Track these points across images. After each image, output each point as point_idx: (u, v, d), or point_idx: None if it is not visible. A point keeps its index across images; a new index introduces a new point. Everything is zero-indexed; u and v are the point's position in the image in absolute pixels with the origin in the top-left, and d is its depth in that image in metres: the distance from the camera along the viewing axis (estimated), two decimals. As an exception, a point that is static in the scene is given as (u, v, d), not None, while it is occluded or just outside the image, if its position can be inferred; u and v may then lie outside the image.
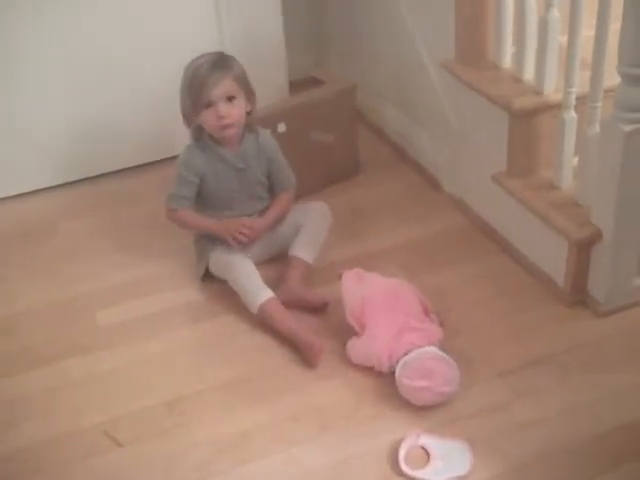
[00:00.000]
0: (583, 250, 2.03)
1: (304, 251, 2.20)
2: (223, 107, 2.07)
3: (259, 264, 2.17)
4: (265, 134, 2.24)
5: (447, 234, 2.39)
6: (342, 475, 1.68)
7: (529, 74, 2.17)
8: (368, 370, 1.90)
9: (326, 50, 3.26)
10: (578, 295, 2.08)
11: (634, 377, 1.85)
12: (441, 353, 1.82)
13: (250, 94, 2.15)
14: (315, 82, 2.75)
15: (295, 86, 2.91)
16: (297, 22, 3.05)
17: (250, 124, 2.20)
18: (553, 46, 2.08)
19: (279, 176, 2.26)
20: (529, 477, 1.64)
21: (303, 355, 1.96)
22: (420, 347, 1.82)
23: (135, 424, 1.83)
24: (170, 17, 2.69)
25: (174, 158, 2.25)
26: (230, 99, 2.08)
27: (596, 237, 1.99)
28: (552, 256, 2.11)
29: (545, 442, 1.71)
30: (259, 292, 2.06)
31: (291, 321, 2.02)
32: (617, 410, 1.78)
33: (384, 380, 1.87)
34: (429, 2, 2.42)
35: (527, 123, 2.14)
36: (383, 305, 1.92)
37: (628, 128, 1.82)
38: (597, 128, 1.96)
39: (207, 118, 2.10)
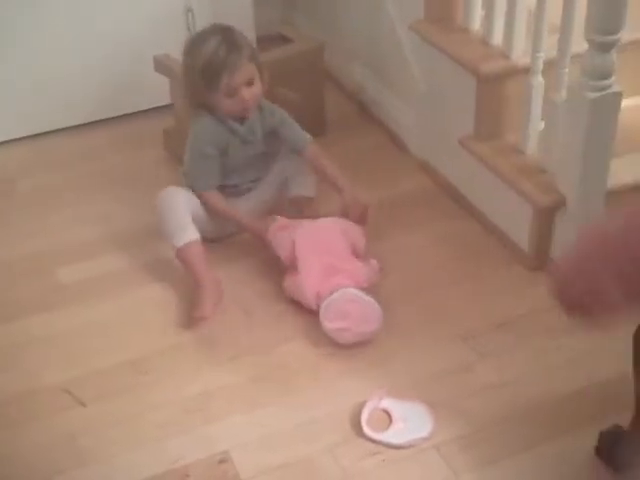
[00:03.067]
0: (547, 216, 2.05)
1: (306, 190, 2.24)
2: (246, 92, 2.02)
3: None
4: (267, 104, 2.17)
5: (413, 196, 2.40)
6: (304, 436, 1.69)
7: (497, 38, 2.17)
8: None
9: (293, 4, 3.22)
10: (541, 260, 2.10)
11: (592, 342, 1.88)
12: (360, 293, 1.88)
13: (262, 70, 2.08)
14: (282, 39, 2.72)
15: (261, 42, 2.86)
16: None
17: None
18: (522, 10, 2.07)
19: (293, 136, 2.20)
20: (492, 439, 1.67)
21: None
22: (346, 287, 1.88)
23: (98, 383, 1.83)
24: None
25: (133, 115, 2.22)
26: (249, 83, 2.03)
27: (560, 204, 2.01)
28: (516, 221, 2.13)
29: (508, 404, 1.74)
30: (185, 230, 2.04)
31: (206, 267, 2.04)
32: (576, 374, 1.81)
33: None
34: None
35: (495, 87, 2.14)
36: (311, 247, 1.98)
37: (594, 95, 1.83)
38: (564, 94, 1.97)
39: (227, 103, 2.04)
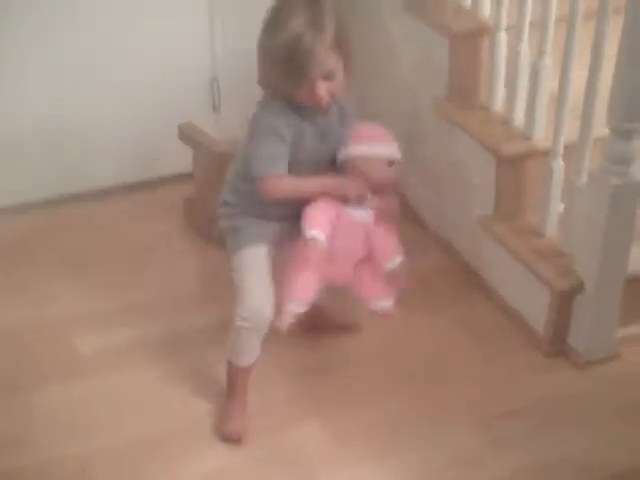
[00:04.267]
0: (565, 300, 2.01)
1: None
2: (321, 87, 1.73)
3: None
4: (347, 106, 1.92)
5: (430, 274, 2.36)
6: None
7: (519, 119, 2.16)
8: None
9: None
10: (558, 345, 2.06)
11: (603, 435, 1.83)
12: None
13: (348, 60, 1.78)
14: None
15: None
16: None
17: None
18: (543, 94, 2.07)
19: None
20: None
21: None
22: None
23: (111, 460, 1.80)
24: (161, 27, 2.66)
25: (153, 181, 2.17)
26: (327, 77, 1.73)
27: (578, 288, 1.98)
28: (534, 303, 2.09)
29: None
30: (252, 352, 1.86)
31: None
32: (583, 470, 1.76)
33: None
34: (424, 40, 2.40)
35: (515, 168, 2.13)
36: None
37: (615, 181, 1.81)
38: (584, 179, 1.94)
39: (304, 94, 1.74)
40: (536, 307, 2.08)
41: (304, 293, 1.79)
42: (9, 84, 2.55)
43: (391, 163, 1.88)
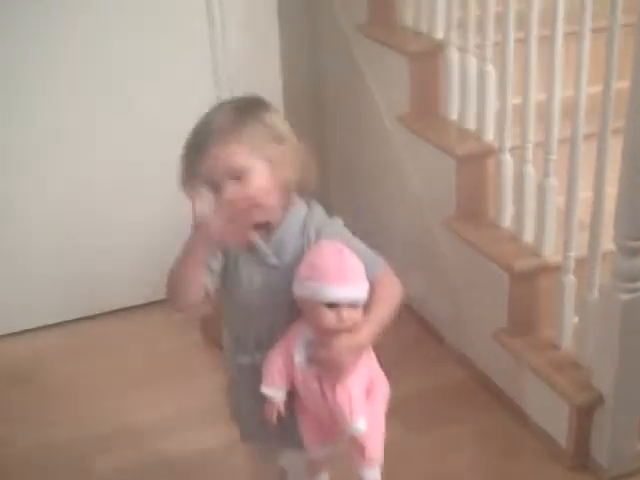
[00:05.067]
0: (585, 413, 2.02)
1: None
2: (229, 190, 1.43)
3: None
4: (315, 212, 1.53)
5: (448, 388, 2.38)
6: None
7: (529, 235, 2.22)
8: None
9: (325, 192, 3.32)
10: (581, 458, 2.06)
11: None
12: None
13: (281, 157, 1.47)
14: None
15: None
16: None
17: (292, 197, 1.52)
18: (551, 212, 2.13)
19: (365, 259, 1.51)
20: None
21: None
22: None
23: None
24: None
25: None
26: (236, 176, 1.43)
27: (597, 401, 1.99)
28: (554, 416, 2.10)
29: None
30: None
31: None
32: None
33: None
34: (431, 164, 2.50)
35: (527, 283, 2.17)
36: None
37: (626, 297, 1.86)
38: (595, 294, 1.99)
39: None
40: (557, 420, 2.09)
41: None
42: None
43: (351, 306, 1.44)
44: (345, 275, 1.44)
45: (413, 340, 2.62)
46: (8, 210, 2.63)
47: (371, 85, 2.75)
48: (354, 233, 1.55)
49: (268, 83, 2.75)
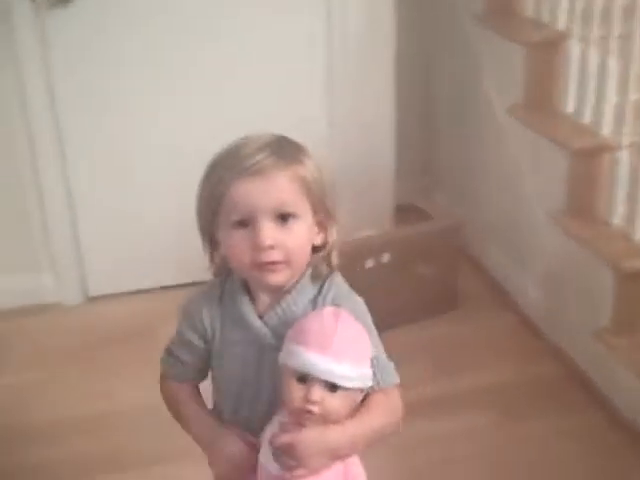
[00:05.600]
0: (685, 419, 1.99)
1: None
2: (267, 229, 1.16)
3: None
4: (335, 283, 1.26)
5: (542, 381, 2.37)
6: None
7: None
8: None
9: (433, 176, 3.32)
10: (678, 462, 2.03)
11: None
12: None
13: (327, 215, 1.23)
14: (418, 211, 2.82)
15: (399, 212, 2.97)
16: (407, 147, 3.10)
17: (317, 268, 1.25)
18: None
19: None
20: None
21: None
22: None
23: None
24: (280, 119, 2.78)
25: None
26: (284, 217, 1.18)
27: (700, 408, 1.96)
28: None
29: None
30: None
31: None
32: None
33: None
34: (542, 157, 2.48)
35: (634, 283, 2.14)
36: None
37: None
38: None
39: (235, 243, 1.19)
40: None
41: None
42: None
43: (329, 388, 1.15)
44: (328, 342, 1.14)
45: (512, 331, 2.61)
46: (128, 175, 2.72)
47: (484, 74, 2.75)
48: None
49: (381, 69, 2.78)
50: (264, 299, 1.25)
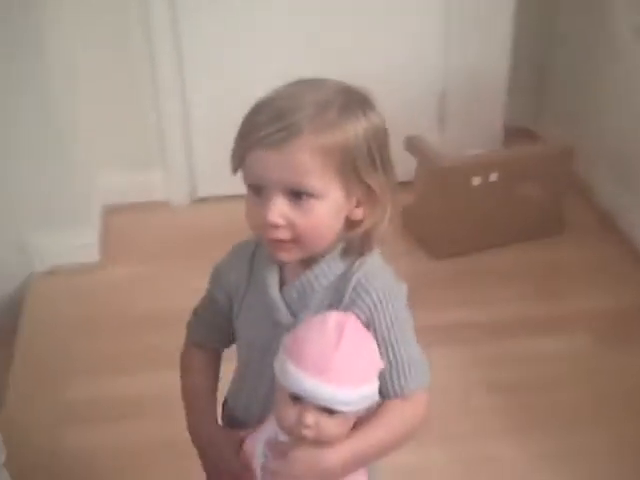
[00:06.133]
0: None
1: None
2: (275, 205, 1.02)
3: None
4: (368, 264, 1.09)
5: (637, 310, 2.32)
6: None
7: None
8: None
9: (545, 98, 3.24)
10: None
11: None
12: None
13: (370, 192, 1.06)
14: (529, 134, 2.77)
15: (508, 134, 2.92)
16: (520, 66, 3.02)
17: (350, 244, 1.09)
18: None
19: (389, 370, 1.08)
20: None
21: None
22: None
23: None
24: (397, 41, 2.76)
25: None
26: (298, 194, 1.02)
27: None
28: None
29: None
30: None
31: None
32: None
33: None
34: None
35: None
36: None
37: None
38: None
39: (249, 208, 1.07)
40: None
41: None
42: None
43: (326, 411, 1.02)
44: (328, 365, 1.00)
45: (617, 260, 2.56)
46: (242, 85, 2.67)
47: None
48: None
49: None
50: (293, 266, 1.10)
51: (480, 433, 1.91)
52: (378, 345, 1.06)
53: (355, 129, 1.02)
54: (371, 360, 1.05)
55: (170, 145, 2.80)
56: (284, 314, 1.10)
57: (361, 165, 1.03)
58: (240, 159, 1.05)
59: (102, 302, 2.36)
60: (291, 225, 1.02)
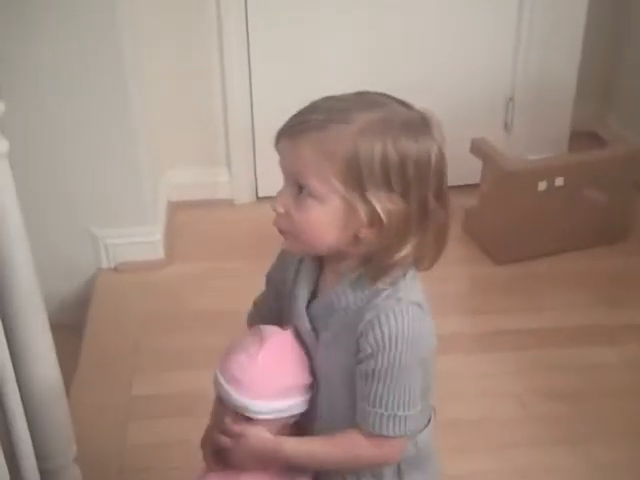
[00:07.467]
0: None
1: None
2: (282, 193, 1.07)
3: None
4: (390, 318, 1.04)
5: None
6: None
7: None
8: None
9: (611, 101, 3.19)
10: None
11: None
12: None
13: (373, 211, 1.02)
14: (595, 138, 2.73)
15: (575, 138, 2.89)
16: (587, 69, 2.98)
17: (377, 265, 1.06)
18: None
19: (367, 397, 1.07)
20: None
21: None
22: None
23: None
24: (467, 44, 2.77)
25: None
26: (301, 188, 1.04)
27: None
28: None
29: None
30: None
31: None
32: None
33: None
34: None
35: None
36: None
37: None
38: None
39: None
40: None
41: None
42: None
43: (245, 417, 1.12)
44: (241, 376, 1.10)
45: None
46: (306, 87, 2.71)
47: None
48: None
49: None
50: (329, 275, 1.13)
51: (538, 442, 1.90)
52: (370, 377, 1.06)
53: (372, 147, 1.00)
54: (291, 377, 1.11)
55: (235, 144, 2.84)
56: (307, 329, 1.13)
57: (369, 184, 1.01)
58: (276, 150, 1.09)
59: (167, 299, 2.40)
60: (289, 216, 1.06)
